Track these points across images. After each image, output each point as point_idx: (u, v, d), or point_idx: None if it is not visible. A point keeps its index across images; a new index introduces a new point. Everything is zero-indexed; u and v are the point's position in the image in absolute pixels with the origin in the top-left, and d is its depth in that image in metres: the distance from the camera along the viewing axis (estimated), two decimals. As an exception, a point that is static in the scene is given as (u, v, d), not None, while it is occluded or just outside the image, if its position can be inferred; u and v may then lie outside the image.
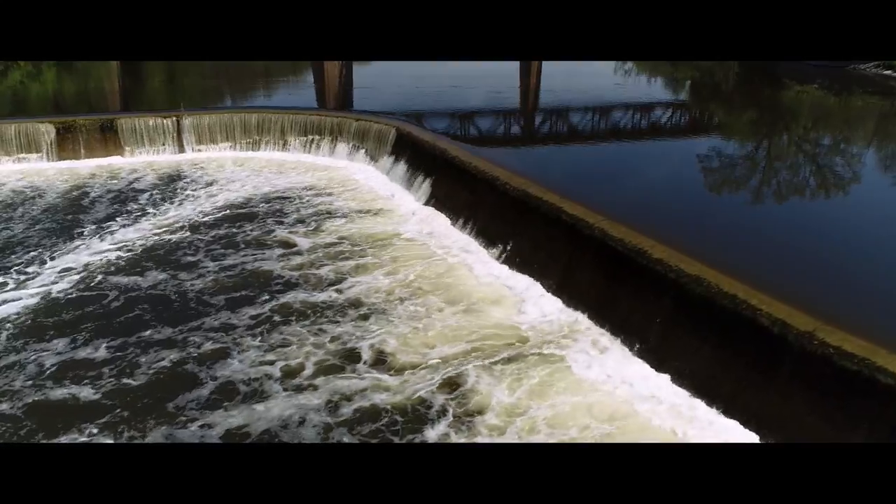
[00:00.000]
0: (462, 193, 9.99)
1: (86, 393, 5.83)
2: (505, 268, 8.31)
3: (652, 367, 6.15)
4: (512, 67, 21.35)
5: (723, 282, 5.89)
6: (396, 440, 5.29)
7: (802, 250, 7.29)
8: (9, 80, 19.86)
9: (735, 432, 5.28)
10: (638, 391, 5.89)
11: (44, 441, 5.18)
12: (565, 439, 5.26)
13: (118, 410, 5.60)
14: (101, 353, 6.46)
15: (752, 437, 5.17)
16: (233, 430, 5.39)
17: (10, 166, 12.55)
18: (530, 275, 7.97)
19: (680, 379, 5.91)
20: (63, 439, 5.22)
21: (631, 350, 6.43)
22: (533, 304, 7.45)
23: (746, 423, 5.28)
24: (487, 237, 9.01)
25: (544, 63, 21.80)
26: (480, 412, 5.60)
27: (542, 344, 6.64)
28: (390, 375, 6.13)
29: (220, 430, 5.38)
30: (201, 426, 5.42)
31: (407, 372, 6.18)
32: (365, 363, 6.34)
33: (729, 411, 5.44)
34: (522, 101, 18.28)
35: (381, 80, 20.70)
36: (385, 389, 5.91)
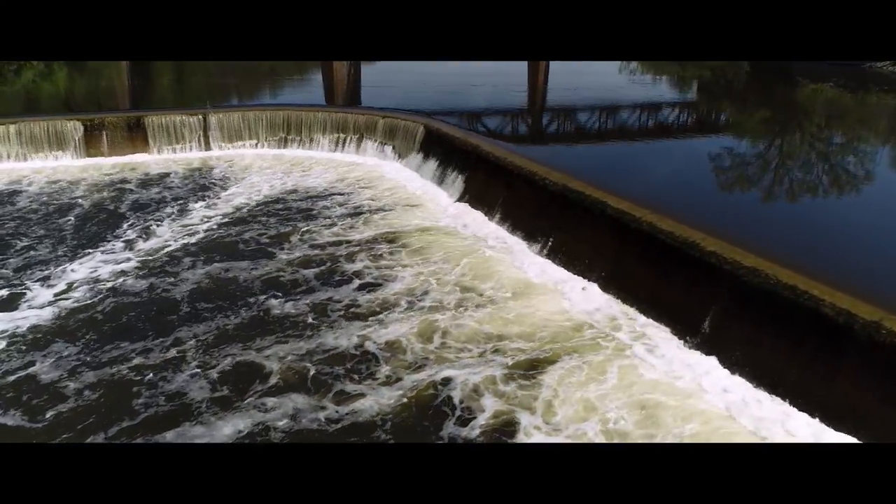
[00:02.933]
0: (497, 189, 10.03)
1: (174, 378, 5.87)
2: (548, 262, 8.35)
3: (708, 357, 6.19)
4: (519, 67, 21.38)
5: (780, 273, 5.93)
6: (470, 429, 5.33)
7: (842, 242, 7.35)
8: (22, 79, 19.88)
9: (800, 421, 5.32)
10: (697, 382, 5.92)
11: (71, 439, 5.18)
12: (629, 430, 5.30)
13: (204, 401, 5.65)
14: (144, 347, 6.51)
15: (820, 428, 5.21)
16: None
17: (39, 163, 12.58)
18: (575, 268, 8.01)
19: (738, 369, 5.95)
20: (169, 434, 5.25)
21: (685, 342, 6.47)
22: (580, 296, 7.49)
23: (813, 413, 5.32)
24: (527, 232, 9.05)
25: (551, 63, 21.93)
26: (529, 409, 5.63)
27: (595, 336, 6.68)
28: (447, 364, 6.17)
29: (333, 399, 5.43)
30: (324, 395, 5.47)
31: (457, 363, 6.22)
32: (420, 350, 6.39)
33: (794, 401, 5.47)
34: (530, 100, 18.34)
35: (386, 79, 20.77)
36: (439, 379, 5.96)
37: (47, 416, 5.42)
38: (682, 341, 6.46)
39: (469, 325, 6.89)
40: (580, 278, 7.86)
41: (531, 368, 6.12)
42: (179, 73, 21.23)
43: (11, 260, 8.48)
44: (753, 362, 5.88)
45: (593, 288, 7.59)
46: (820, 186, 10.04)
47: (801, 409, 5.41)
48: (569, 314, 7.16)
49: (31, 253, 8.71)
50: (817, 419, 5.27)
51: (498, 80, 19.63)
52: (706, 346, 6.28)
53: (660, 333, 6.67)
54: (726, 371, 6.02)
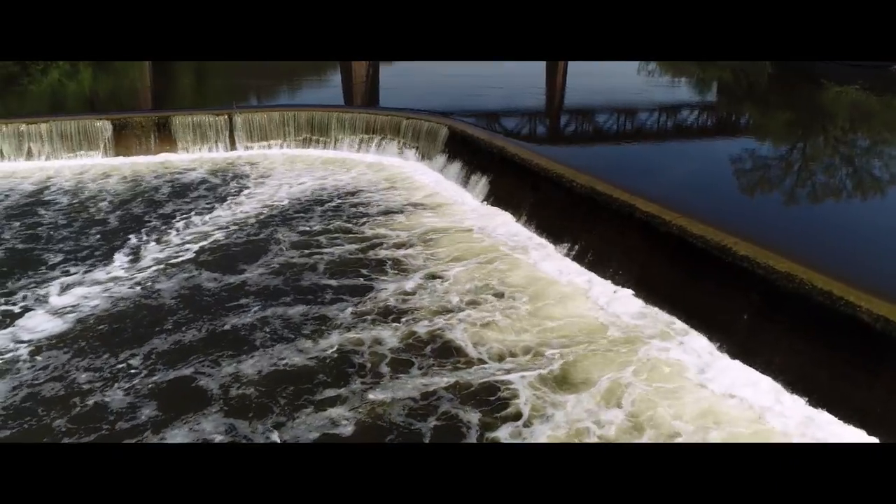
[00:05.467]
0: (523, 191, 10.08)
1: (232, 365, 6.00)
2: (576, 264, 8.38)
3: (740, 362, 6.21)
4: (537, 68, 21.36)
5: (815, 278, 5.94)
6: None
7: (872, 247, 7.32)
8: (48, 78, 20.18)
9: (835, 428, 5.33)
10: (728, 386, 5.94)
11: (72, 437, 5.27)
12: (658, 430, 5.34)
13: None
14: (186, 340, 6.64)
15: (855, 434, 5.22)
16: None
17: (69, 161, 12.82)
18: (603, 271, 8.04)
19: (771, 374, 5.95)
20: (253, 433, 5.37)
21: (716, 346, 6.48)
22: (609, 299, 7.51)
23: (848, 420, 5.33)
24: (554, 234, 9.09)
25: (570, 64, 21.91)
26: (559, 407, 5.69)
27: (624, 339, 6.71)
28: (476, 366, 6.24)
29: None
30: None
31: (489, 363, 6.28)
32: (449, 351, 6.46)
33: (829, 407, 5.48)
34: (548, 101, 18.34)
35: (404, 79, 20.86)
36: (466, 384, 6.02)
37: (127, 390, 5.62)
38: (713, 345, 6.47)
39: (497, 327, 6.94)
40: (608, 281, 7.89)
41: (558, 372, 6.14)
42: (200, 74, 21.45)
43: (48, 256, 8.66)
44: (786, 367, 5.89)
45: (622, 291, 7.61)
46: (846, 190, 9.99)
47: (835, 416, 5.41)
48: (597, 317, 7.19)
49: (69, 247, 8.89)
50: (853, 426, 5.28)
51: (515, 81, 19.67)
52: (738, 350, 6.30)
53: (691, 337, 6.68)
54: (758, 375, 6.04)
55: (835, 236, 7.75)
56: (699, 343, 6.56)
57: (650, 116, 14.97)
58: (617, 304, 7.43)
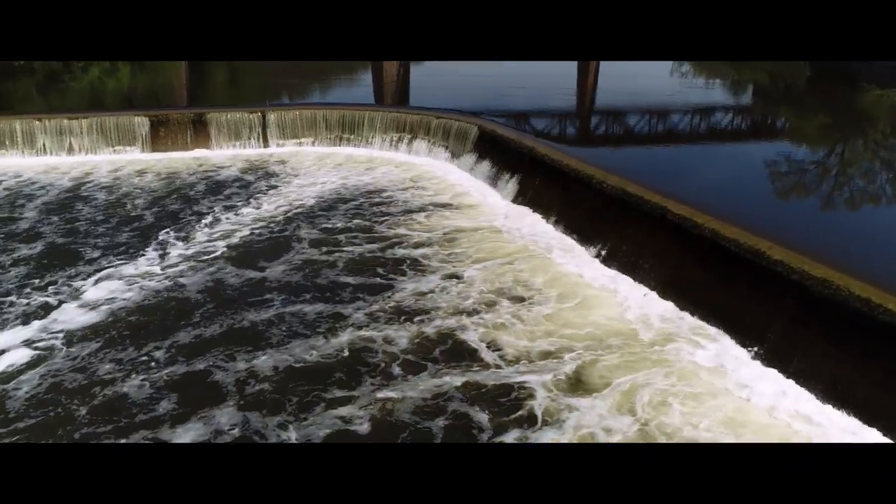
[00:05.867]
0: (553, 191, 10.05)
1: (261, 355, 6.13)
2: (605, 266, 8.33)
3: (772, 368, 6.11)
4: (567, 69, 21.22)
5: (853, 284, 5.82)
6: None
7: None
8: (88, 75, 20.71)
9: (869, 436, 5.22)
10: (759, 392, 5.86)
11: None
12: (683, 435, 5.29)
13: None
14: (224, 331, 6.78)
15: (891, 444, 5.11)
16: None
17: (108, 156, 13.17)
18: (632, 273, 7.98)
19: (804, 382, 5.85)
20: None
21: (748, 351, 6.39)
22: (638, 302, 7.46)
23: (884, 430, 5.22)
24: (583, 235, 9.05)
25: (601, 65, 21.73)
26: (578, 407, 5.66)
27: (654, 342, 6.66)
28: (502, 367, 6.24)
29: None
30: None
31: (518, 363, 6.29)
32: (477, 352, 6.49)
33: (863, 416, 5.37)
34: (578, 102, 18.21)
35: (434, 79, 20.90)
36: (488, 386, 6.04)
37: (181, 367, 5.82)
38: (745, 351, 6.39)
39: (524, 328, 6.94)
40: (638, 284, 7.83)
41: (584, 376, 6.11)
42: (233, 72, 21.81)
43: (85, 249, 8.92)
44: (820, 375, 5.78)
45: (653, 294, 7.55)
46: (886, 196, 9.76)
47: (871, 425, 5.30)
48: (626, 319, 7.14)
49: (104, 241, 9.13)
50: (890, 437, 5.17)
51: (546, 81, 19.58)
52: (770, 356, 6.20)
53: (722, 342, 6.60)
54: (790, 382, 5.94)
55: (874, 243, 7.57)
56: (731, 348, 6.48)
57: (683, 118, 14.79)
58: (647, 306, 7.37)
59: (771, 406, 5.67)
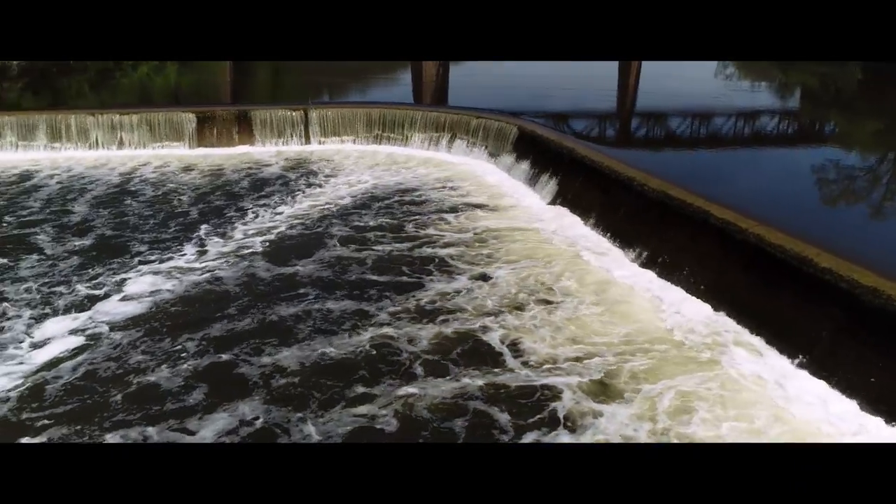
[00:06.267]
0: (593, 193, 9.99)
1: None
2: (644, 270, 8.25)
3: (817, 378, 5.97)
4: (608, 70, 21.00)
5: (905, 295, 5.65)
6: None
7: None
8: (138, 73, 21.38)
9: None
10: (805, 403, 5.73)
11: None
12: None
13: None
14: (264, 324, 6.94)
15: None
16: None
17: (156, 151, 13.60)
18: (672, 278, 7.88)
19: (852, 394, 5.70)
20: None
21: (792, 360, 6.25)
22: (679, 306, 7.36)
23: (936, 444, 5.06)
24: (623, 238, 8.97)
25: (644, 66, 21.46)
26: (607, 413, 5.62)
27: (695, 348, 6.57)
28: (532, 369, 6.25)
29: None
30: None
31: (550, 366, 6.28)
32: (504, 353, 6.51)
33: (915, 430, 5.22)
34: (619, 103, 18.02)
35: (473, 79, 20.94)
36: (513, 387, 6.04)
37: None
38: (789, 360, 6.24)
39: (563, 330, 6.92)
40: (678, 288, 7.72)
41: (618, 380, 6.05)
42: (276, 70, 22.24)
43: (131, 242, 9.25)
44: (869, 388, 5.62)
45: (693, 299, 7.44)
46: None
47: (922, 440, 5.16)
48: (665, 324, 7.06)
49: (149, 236, 9.45)
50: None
51: (586, 82, 19.44)
52: (816, 366, 6.05)
53: (765, 351, 6.47)
54: (836, 392, 5.79)
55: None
56: (774, 357, 6.34)
57: (726, 122, 14.51)
58: (687, 311, 7.27)
59: (816, 417, 5.54)
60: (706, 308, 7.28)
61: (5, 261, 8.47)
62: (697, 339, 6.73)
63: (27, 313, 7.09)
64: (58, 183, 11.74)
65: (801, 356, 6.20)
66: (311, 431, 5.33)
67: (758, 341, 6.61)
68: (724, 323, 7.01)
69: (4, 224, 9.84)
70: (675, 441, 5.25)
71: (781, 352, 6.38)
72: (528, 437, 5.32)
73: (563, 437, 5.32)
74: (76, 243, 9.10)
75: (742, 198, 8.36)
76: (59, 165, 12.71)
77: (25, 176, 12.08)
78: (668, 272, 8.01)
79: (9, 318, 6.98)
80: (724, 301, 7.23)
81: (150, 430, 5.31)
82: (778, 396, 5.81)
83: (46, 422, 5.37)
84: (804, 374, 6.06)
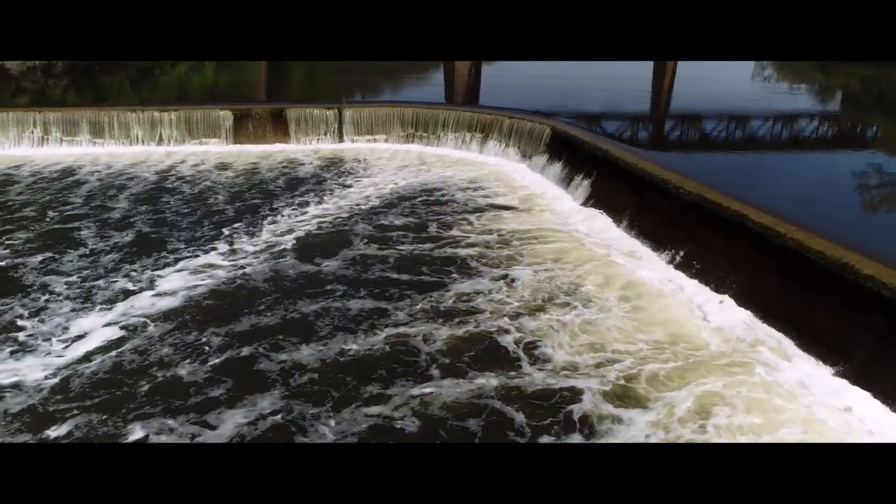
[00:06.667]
0: (626, 195, 9.92)
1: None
2: (678, 273, 8.17)
3: (857, 388, 5.85)
4: (642, 71, 20.74)
5: (951, 304, 5.51)
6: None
7: None
8: (176, 71, 21.84)
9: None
10: (844, 413, 5.62)
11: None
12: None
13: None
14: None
15: None
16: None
17: (194, 148, 13.91)
18: (708, 282, 7.79)
19: (894, 403, 5.60)
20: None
21: (831, 368, 6.14)
22: (713, 311, 7.27)
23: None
24: (657, 241, 8.90)
25: (679, 67, 21.16)
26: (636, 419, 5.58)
27: (729, 354, 6.49)
28: (559, 373, 6.24)
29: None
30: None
31: (580, 369, 6.27)
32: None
33: (960, 443, 5.10)
34: (653, 104, 17.80)
35: (505, 79, 20.90)
36: (566, 386, 6.04)
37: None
38: (829, 368, 6.14)
39: (594, 332, 6.90)
40: (713, 293, 7.63)
41: (653, 384, 6.02)
42: (310, 69, 22.51)
43: (167, 237, 9.49)
44: (912, 397, 5.51)
45: (728, 304, 7.34)
46: None
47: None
48: (699, 329, 6.99)
49: (185, 233, 9.64)
50: None
51: (618, 83, 19.25)
52: (857, 376, 5.93)
53: (802, 357, 6.37)
54: (877, 402, 5.68)
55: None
56: (812, 364, 6.24)
57: (763, 124, 14.25)
58: (721, 316, 7.18)
59: (854, 426, 5.44)
60: (742, 313, 7.19)
61: (50, 254, 8.75)
62: (731, 344, 6.66)
63: (66, 306, 7.28)
64: (98, 180, 12.07)
65: (840, 364, 6.09)
66: (328, 427, 5.40)
67: (795, 348, 6.51)
68: (760, 328, 6.91)
69: (49, 217, 10.16)
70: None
71: (820, 359, 6.28)
72: (574, 439, 5.34)
73: (599, 438, 5.32)
74: (116, 238, 9.35)
75: (780, 202, 8.21)
76: (101, 160, 13.08)
77: (69, 170, 12.46)
78: (702, 276, 7.93)
79: (48, 311, 7.19)
80: (760, 306, 7.13)
81: (172, 422, 5.43)
82: (815, 405, 5.70)
83: (75, 411, 5.52)
84: (843, 382, 5.96)
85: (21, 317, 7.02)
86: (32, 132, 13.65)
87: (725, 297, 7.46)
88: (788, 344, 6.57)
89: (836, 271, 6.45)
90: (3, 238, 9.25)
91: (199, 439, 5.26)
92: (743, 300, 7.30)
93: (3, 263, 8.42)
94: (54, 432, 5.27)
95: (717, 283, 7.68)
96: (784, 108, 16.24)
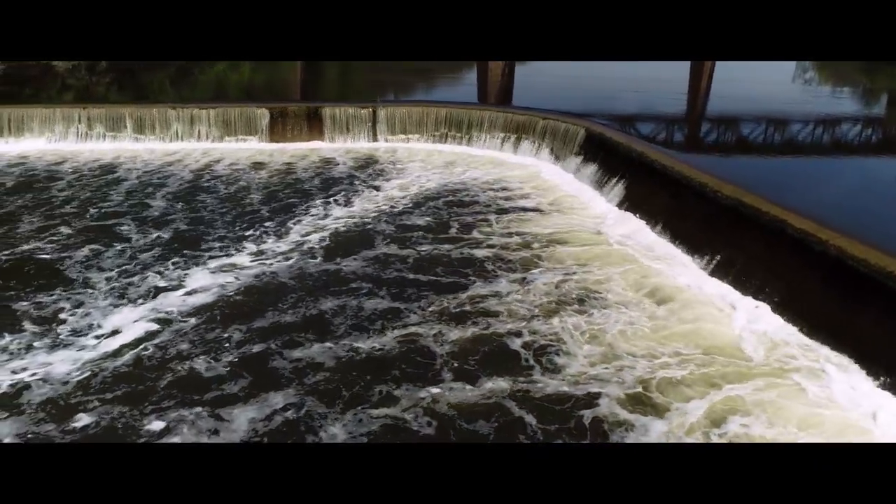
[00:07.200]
0: (661, 198, 9.81)
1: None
2: (714, 279, 8.04)
3: (901, 400, 5.72)
4: (678, 72, 20.42)
5: None
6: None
7: None
8: (214, 70, 22.27)
9: None
10: (887, 425, 5.49)
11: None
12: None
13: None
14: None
15: None
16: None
17: (232, 145, 14.18)
18: (744, 289, 7.65)
19: (939, 417, 5.44)
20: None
21: (874, 380, 5.99)
22: (750, 318, 7.14)
23: None
24: (692, 245, 8.77)
25: (717, 68, 20.80)
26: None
27: (767, 363, 6.37)
28: (588, 378, 6.20)
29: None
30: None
31: (615, 375, 6.22)
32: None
33: None
34: (689, 106, 17.52)
35: (538, 79, 20.81)
36: (591, 392, 6.00)
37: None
38: (872, 379, 5.99)
39: (627, 337, 6.85)
40: (749, 299, 7.49)
41: (690, 392, 5.96)
42: (344, 69, 22.73)
43: (206, 235, 9.69)
44: (959, 411, 5.35)
45: (765, 311, 7.21)
46: None
47: None
48: (735, 335, 6.88)
49: (220, 230, 9.84)
50: None
51: (653, 84, 19.00)
52: (899, 386, 5.79)
53: (844, 367, 6.21)
54: (922, 416, 5.53)
55: None
56: (854, 375, 6.08)
57: (804, 128, 13.93)
58: (758, 324, 7.04)
59: (897, 439, 5.31)
60: (779, 321, 7.05)
61: (95, 247, 9.01)
62: (768, 352, 6.54)
63: (102, 301, 7.42)
64: (140, 175, 12.38)
65: (883, 376, 5.94)
66: (341, 425, 5.44)
67: (836, 357, 6.36)
68: (799, 337, 6.77)
69: (90, 212, 10.46)
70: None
71: (862, 369, 6.13)
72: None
73: (628, 439, 5.29)
74: (154, 234, 9.56)
75: (821, 208, 8.03)
76: (141, 156, 13.42)
77: (110, 165, 12.82)
78: (738, 282, 7.79)
79: (85, 305, 7.35)
80: (798, 314, 6.98)
81: (187, 413, 5.53)
82: (857, 417, 5.58)
83: (96, 403, 5.65)
84: (886, 394, 5.81)
85: (62, 310, 7.21)
86: (77, 127, 14.08)
87: (762, 304, 7.33)
88: (829, 354, 6.43)
89: (880, 280, 6.29)
90: (49, 231, 9.55)
91: (216, 430, 5.35)
92: (781, 308, 7.16)
93: (51, 256, 8.71)
94: (79, 422, 5.40)
95: (755, 289, 7.55)
96: (826, 112, 15.85)
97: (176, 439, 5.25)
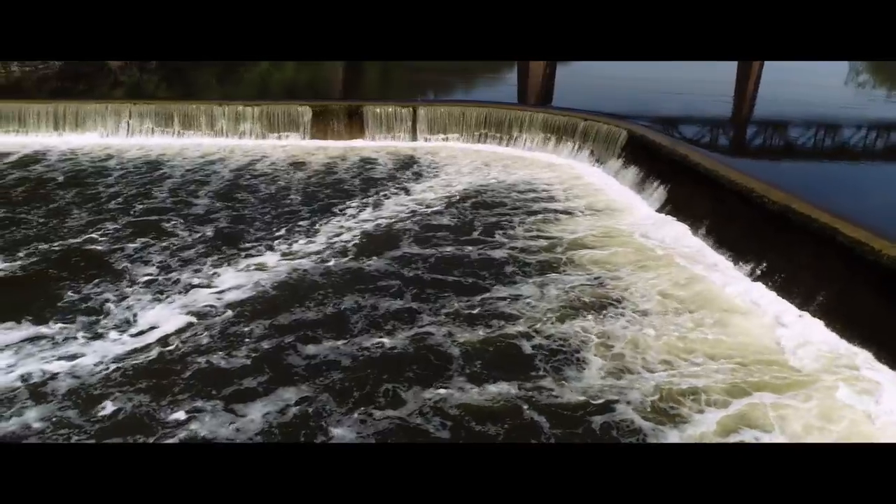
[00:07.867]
0: (704, 202, 9.61)
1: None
2: (759, 286, 7.85)
3: (957, 418, 5.49)
4: (725, 74, 19.94)
5: None
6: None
7: None
8: (258, 68, 22.68)
9: None
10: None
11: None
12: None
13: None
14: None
15: None
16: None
17: (274, 142, 14.45)
18: (790, 297, 7.45)
19: None
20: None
21: (928, 395, 5.78)
22: (794, 328, 6.96)
23: None
24: (736, 251, 8.57)
25: (765, 70, 20.25)
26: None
27: (815, 376, 6.18)
28: (646, 379, 6.12)
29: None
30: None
31: (649, 381, 6.12)
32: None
33: None
34: (735, 109, 17.09)
35: (580, 79, 20.58)
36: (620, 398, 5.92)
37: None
38: (924, 394, 5.78)
39: (667, 343, 6.73)
40: (796, 308, 7.30)
41: (732, 401, 5.82)
42: (385, 69, 22.90)
43: (246, 233, 9.88)
44: None
45: (814, 322, 7.01)
46: None
47: None
48: (781, 345, 6.70)
49: (257, 225, 9.99)
50: None
51: (698, 87, 18.61)
52: (955, 404, 5.56)
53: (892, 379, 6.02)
54: (979, 436, 5.29)
55: None
56: (905, 389, 5.88)
57: (856, 133, 13.46)
58: (805, 333, 6.86)
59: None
60: (827, 332, 6.85)
61: (145, 240, 9.30)
62: (816, 363, 6.35)
63: (141, 296, 7.60)
64: (184, 169, 12.70)
65: (938, 392, 5.71)
66: (359, 422, 5.49)
67: (888, 371, 6.15)
68: (848, 348, 6.57)
69: (136, 208, 10.78)
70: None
71: (915, 385, 5.90)
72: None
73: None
74: (200, 227, 9.81)
75: (874, 217, 7.77)
76: (189, 150, 13.77)
77: (160, 159, 13.19)
78: (785, 290, 7.59)
79: (127, 299, 7.54)
80: (848, 325, 6.77)
81: (207, 405, 5.65)
82: (908, 432, 5.38)
83: (118, 394, 5.80)
84: (941, 411, 5.58)
85: (106, 301, 7.44)
86: (128, 123, 14.53)
87: (809, 314, 7.13)
88: (881, 367, 6.22)
89: (937, 292, 6.06)
90: (96, 225, 9.89)
91: (233, 423, 5.45)
92: (830, 318, 6.95)
93: (101, 248, 9.02)
94: (103, 411, 5.57)
95: (802, 298, 7.34)
96: (881, 116, 15.28)
97: (195, 428, 5.38)
